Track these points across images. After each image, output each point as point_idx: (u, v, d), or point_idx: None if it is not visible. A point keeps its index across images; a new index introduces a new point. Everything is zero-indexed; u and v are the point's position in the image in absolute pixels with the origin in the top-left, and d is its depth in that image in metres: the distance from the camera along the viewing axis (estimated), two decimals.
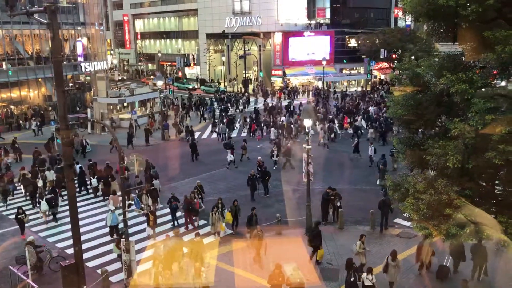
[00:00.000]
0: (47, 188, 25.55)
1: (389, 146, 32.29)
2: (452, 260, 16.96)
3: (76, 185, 26.36)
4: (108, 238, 20.73)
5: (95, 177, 26.41)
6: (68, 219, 22.35)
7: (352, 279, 15.15)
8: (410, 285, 16.57)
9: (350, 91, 61.75)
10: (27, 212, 22.15)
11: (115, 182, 25.47)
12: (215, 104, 52.62)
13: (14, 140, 34.53)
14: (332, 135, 36.39)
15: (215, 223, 20.48)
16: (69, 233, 20.86)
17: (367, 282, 14.95)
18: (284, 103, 51.27)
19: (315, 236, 18.06)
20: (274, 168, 29.24)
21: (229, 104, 52.64)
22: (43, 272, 17.77)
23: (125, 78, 79.78)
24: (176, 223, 22.28)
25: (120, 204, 22.86)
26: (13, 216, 22.20)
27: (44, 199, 22.98)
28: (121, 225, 19.99)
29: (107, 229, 21.41)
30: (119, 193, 23.32)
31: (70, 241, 19.82)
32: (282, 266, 15.38)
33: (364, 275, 15.07)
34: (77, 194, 24.21)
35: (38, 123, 41.63)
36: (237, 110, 50.77)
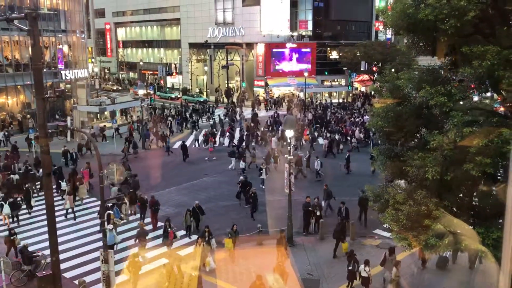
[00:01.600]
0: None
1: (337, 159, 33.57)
2: (451, 252, 17.73)
3: (39, 188, 27.13)
4: (86, 248, 20.40)
5: (64, 180, 26.69)
6: (31, 223, 23.19)
7: (350, 267, 16.54)
8: (413, 275, 17.53)
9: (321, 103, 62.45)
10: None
11: (83, 185, 26.27)
12: (187, 114, 52.32)
13: (15, 145, 34.80)
14: (341, 146, 36.63)
15: (198, 256, 17.92)
16: (22, 229, 21.81)
17: (364, 274, 16.13)
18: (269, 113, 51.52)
19: (341, 230, 19.34)
20: (262, 187, 27.73)
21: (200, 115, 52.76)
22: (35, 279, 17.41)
23: (120, 88, 78.38)
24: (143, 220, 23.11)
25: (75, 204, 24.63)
26: None
27: (7, 202, 23.09)
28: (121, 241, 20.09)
29: (86, 239, 21.18)
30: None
31: (26, 239, 20.05)
32: (263, 277, 15.33)
33: (362, 266, 16.23)
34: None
35: (6, 133, 40.40)
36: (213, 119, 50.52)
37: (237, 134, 41.46)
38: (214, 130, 42.50)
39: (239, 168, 31.03)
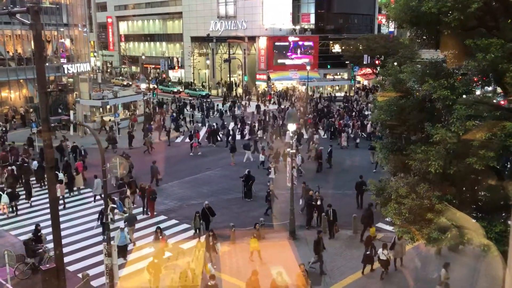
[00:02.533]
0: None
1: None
2: None
3: (35, 181, 27.64)
4: (90, 241, 20.47)
5: (61, 171, 26.98)
6: (28, 212, 23.85)
7: (367, 252, 17.31)
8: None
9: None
10: None
11: (79, 175, 27.02)
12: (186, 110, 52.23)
13: (30, 137, 35.25)
14: (358, 140, 36.76)
15: (201, 260, 17.36)
16: (25, 223, 22.28)
17: (382, 257, 16.86)
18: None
19: (368, 216, 19.99)
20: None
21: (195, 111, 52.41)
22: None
23: (130, 83, 77.85)
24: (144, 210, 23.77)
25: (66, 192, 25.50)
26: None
27: (4, 192, 23.70)
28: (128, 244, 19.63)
29: (90, 232, 21.35)
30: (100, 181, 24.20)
31: (29, 233, 19.88)
32: (259, 273, 15.28)
33: (380, 250, 16.96)
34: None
35: (4, 129, 40.20)
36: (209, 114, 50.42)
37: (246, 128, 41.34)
38: (200, 125, 42.29)
39: (260, 160, 30.68)
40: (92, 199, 25.64)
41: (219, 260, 18.51)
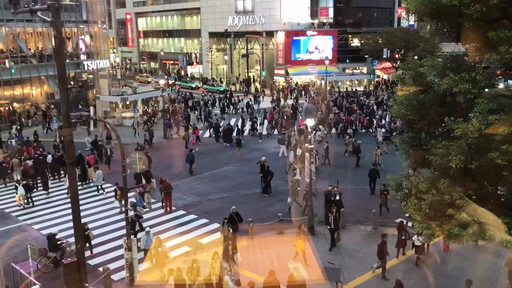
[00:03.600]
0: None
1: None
2: None
3: (49, 174, 28.39)
4: (110, 236, 20.72)
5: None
6: (46, 208, 24.20)
7: (403, 237, 17.60)
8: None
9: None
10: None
11: (91, 168, 27.55)
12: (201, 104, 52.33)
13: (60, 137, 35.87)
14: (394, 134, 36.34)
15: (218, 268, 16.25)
16: (47, 218, 22.68)
17: (417, 243, 17.05)
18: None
19: None
20: (298, 188, 24.00)
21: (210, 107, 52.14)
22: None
23: (154, 79, 77.96)
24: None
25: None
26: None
27: (20, 184, 24.57)
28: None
29: (111, 226, 21.69)
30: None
31: (50, 226, 20.72)
32: (276, 273, 15.13)
33: (415, 236, 17.05)
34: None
35: (18, 127, 40.28)
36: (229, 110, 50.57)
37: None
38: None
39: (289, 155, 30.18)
40: (104, 192, 26.18)
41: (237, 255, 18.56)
